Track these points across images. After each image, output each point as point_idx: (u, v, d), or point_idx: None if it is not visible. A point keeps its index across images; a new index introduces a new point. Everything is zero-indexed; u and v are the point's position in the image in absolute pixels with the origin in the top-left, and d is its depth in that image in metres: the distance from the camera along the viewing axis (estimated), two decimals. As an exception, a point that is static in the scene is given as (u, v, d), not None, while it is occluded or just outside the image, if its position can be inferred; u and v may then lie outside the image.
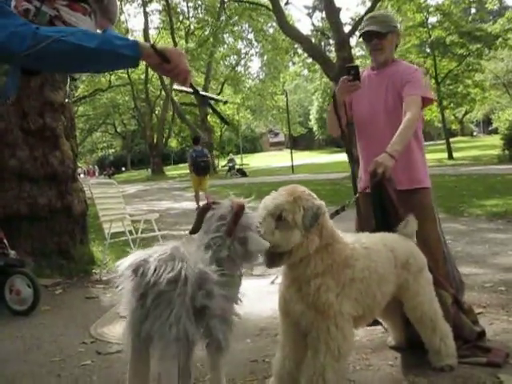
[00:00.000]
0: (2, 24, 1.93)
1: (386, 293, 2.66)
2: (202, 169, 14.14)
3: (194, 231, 2.25)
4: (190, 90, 2.21)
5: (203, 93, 2.42)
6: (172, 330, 1.82)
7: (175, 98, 39.05)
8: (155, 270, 1.84)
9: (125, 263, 1.94)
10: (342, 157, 25.07)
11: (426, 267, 2.89)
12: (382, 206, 3.04)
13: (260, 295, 4.43)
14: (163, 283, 1.81)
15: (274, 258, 2.39)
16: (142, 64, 2.09)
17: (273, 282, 4.98)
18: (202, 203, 14.83)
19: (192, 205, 15.68)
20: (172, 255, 1.90)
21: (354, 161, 3.41)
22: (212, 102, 2.47)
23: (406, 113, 3.19)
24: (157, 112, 46.56)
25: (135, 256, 1.94)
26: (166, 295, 1.84)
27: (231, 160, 37.57)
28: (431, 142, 54.99)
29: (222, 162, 44.40)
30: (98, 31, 2.21)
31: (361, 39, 3.50)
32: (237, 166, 36.53)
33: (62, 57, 1.97)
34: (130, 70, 35.66)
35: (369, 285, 2.52)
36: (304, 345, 2.51)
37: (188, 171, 15.25)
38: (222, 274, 2.00)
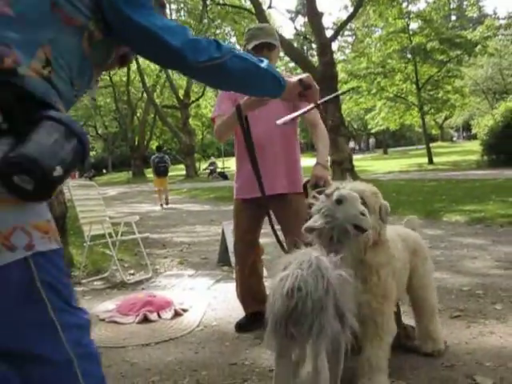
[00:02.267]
0: (176, 28, 1.68)
1: (406, 279, 2.93)
2: (161, 172, 16.78)
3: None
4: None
5: (323, 100, 2.58)
6: (328, 329, 2.01)
7: (156, 101, 38.95)
8: (308, 286, 1.97)
9: (281, 288, 2.00)
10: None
11: (430, 258, 3.17)
12: None
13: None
14: (318, 293, 1.97)
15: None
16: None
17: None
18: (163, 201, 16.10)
19: (173, 207, 15.68)
20: (317, 265, 2.03)
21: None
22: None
23: (316, 124, 3.52)
24: (138, 114, 46.38)
25: (290, 277, 2.00)
26: (321, 300, 1.98)
27: (212, 163, 37.49)
28: (412, 147, 55.48)
29: (203, 165, 44.28)
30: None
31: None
32: (218, 169, 36.49)
33: (238, 74, 1.80)
34: (111, 72, 35.48)
35: (401, 274, 2.82)
36: None
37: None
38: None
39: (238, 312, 4.02)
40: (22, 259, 1.35)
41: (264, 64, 1.88)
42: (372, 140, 59.03)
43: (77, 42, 1.54)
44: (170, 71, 36.20)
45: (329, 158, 3.44)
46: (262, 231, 3.84)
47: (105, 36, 1.61)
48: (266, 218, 3.42)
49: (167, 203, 16.51)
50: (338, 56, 37.29)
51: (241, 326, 3.82)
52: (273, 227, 3.36)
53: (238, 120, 3.27)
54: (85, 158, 1.43)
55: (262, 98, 3.12)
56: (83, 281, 5.77)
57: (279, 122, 2.81)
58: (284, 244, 3.55)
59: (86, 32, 1.56)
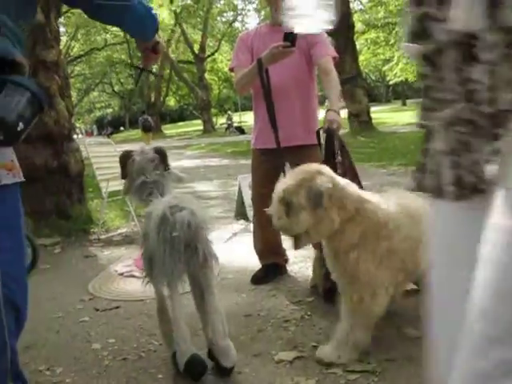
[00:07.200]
0: None
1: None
2: (146, 128, 26.52)
3: (124, 176, 2.76)
4: None
5: None
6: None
7: (172, 56, 38.59)
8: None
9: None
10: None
11: None
12: (333, 157, 3.18)
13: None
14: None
15: (295, 241, 2.50)
16: None
17: None
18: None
19: (191, 162, 15.77)
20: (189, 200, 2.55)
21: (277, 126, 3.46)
22: None
23: (328, 72, 3.46)
24: (154, 70, 45.98)
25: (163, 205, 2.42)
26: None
27: (229, 118, 37.33)
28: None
29: (220, 120, 44.11)
30: None
31: None
32: (235, 124, 36.35)
33: (138, 17, 2.09)
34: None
35: (412, 253, 2.44)
36: None
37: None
38: None
39: (253, 265, 4.07)
40: None
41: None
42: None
43: None
44: (184, 25, 35.78)
45: (341, 105, 3.43)
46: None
47: None
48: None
49: None
50: (354, 6, 36.45)
51: (257, 278, 3.88)
52: None
53: (259, 73, 3.28)
54: (42, 111, 1.74)
55: (285, 50, 3.14)
56: (102, 237, 5.87)
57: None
58: None
59: None
